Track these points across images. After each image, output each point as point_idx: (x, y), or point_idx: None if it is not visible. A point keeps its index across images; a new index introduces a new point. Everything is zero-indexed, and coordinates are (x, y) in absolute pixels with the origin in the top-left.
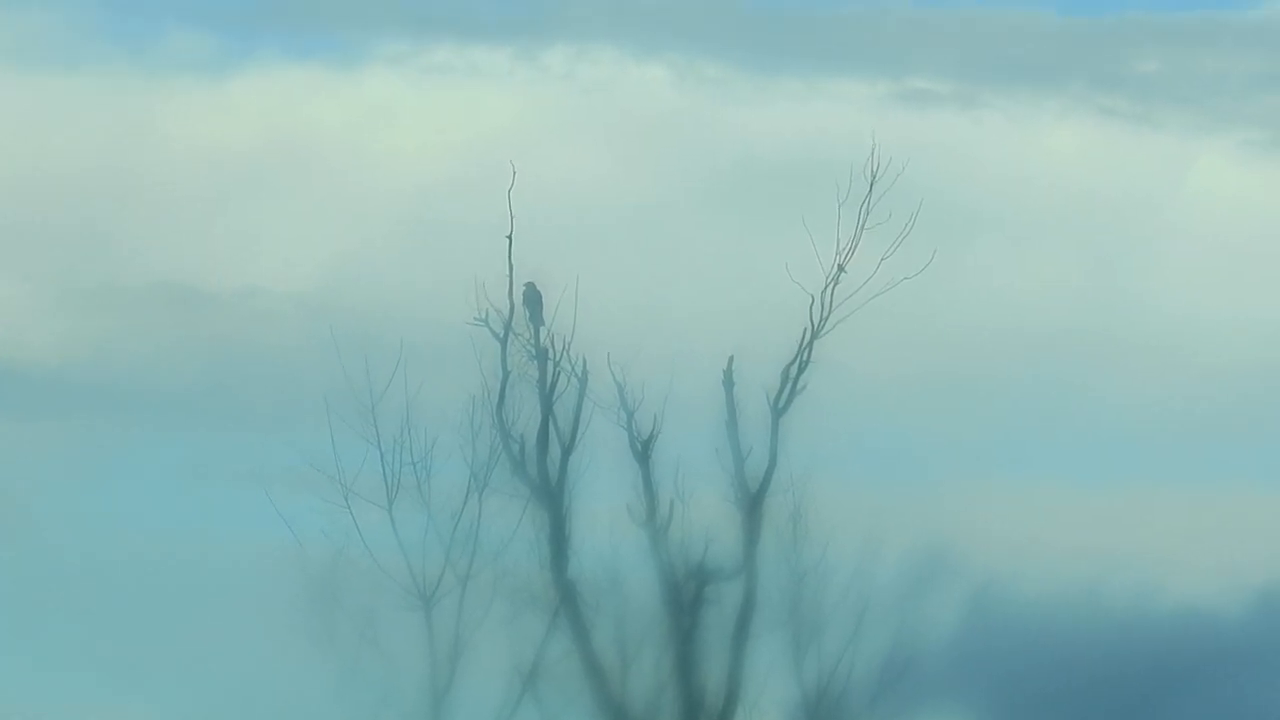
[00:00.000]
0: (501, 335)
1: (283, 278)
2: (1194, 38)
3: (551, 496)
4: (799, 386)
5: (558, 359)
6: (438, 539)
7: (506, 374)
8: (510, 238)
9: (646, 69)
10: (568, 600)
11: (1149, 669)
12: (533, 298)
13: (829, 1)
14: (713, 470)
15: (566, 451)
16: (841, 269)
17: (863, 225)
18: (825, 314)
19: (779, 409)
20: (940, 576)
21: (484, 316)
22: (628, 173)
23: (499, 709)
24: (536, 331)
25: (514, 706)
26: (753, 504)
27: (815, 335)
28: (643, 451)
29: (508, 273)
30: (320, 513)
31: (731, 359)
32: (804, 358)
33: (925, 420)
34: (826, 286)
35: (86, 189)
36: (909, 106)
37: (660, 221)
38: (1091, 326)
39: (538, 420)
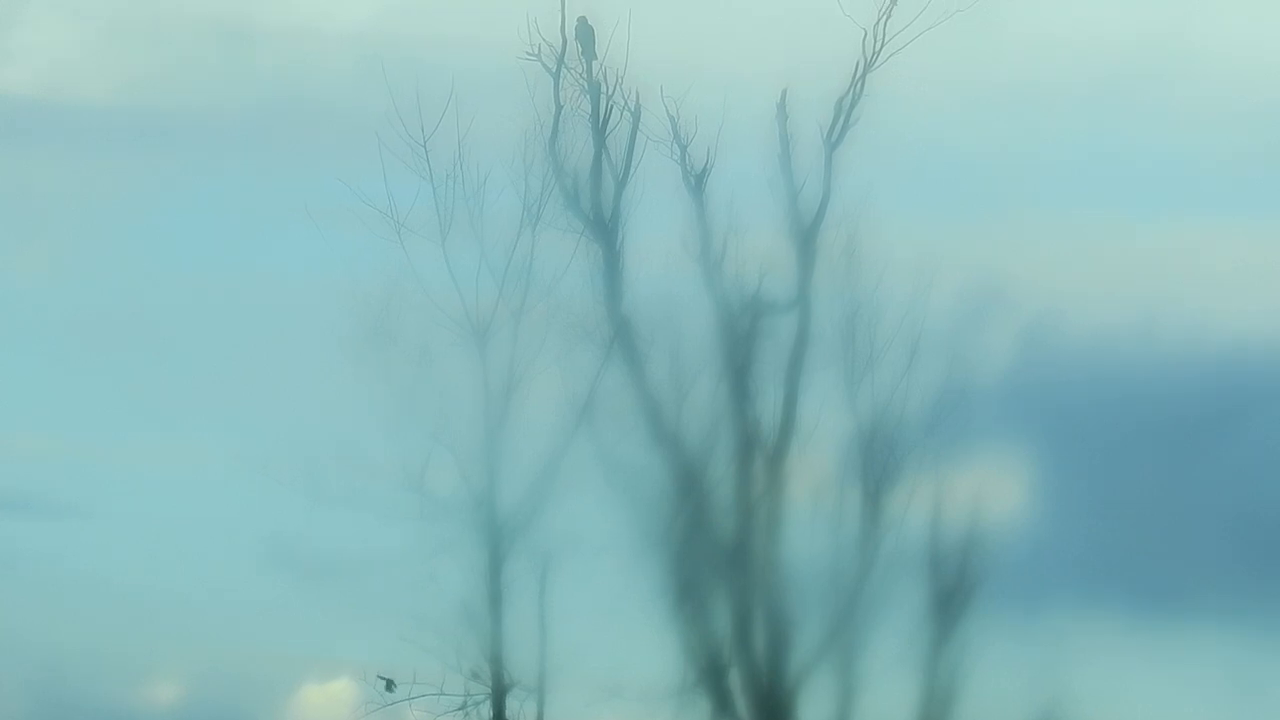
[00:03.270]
0: (554, 70)
1: (333, 15)
2: None
3: (605, 230)
4: (852, 118)
5: (610, 93)
6: (491, 273)
7: (559, 108)
8: None
9: None
10: (622, 334)
11: (1203, 404)
12: (585, 32)
13: None
14: (767, 203)
15: (620, 185)
16: (894, 1)
17: None
18: (878, 46)
19: (832, 141)
20: (994, 309)
21: (536, 51)
22: None
23: (553, 442)
24: (589, 65)
25: (568, 440)
26: (807, 237)
27: (868, 68)
28: (696, 185)
29: (560, 7)
30: (373, 248)
31: (784, 91)
32: (857, 90)
33: (979, 153)
34: (879, 19)
35: None
36: None
37: None
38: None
39: (591, 154)
